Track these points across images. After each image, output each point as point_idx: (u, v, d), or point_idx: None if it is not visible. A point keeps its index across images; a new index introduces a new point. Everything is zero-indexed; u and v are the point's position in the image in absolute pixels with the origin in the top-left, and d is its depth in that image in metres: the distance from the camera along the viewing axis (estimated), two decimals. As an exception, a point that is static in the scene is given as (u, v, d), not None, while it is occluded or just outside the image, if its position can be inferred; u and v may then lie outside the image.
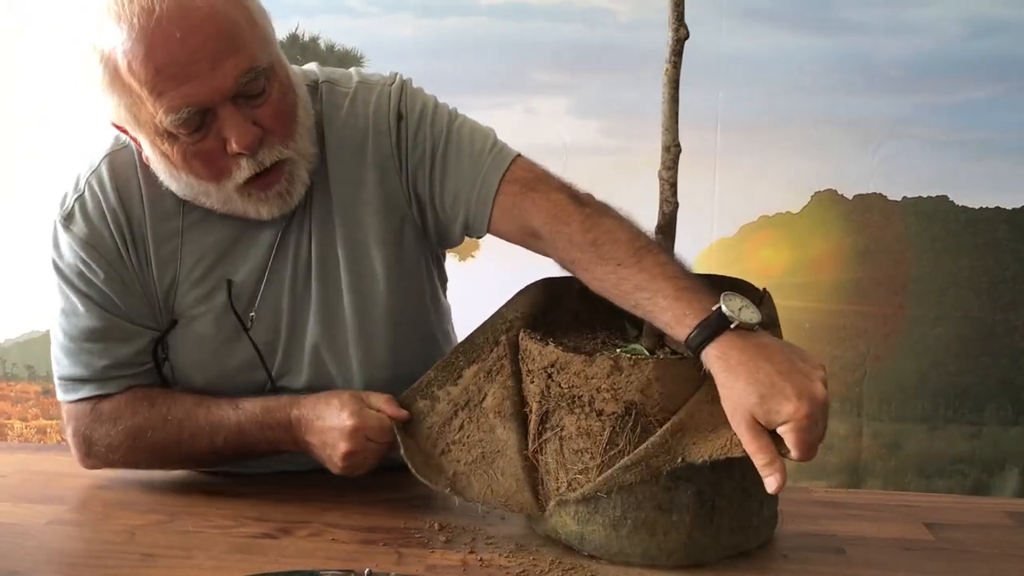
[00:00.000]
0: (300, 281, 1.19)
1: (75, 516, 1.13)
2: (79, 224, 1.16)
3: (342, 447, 1.11)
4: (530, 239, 1.14)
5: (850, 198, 2.37)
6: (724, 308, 0.94)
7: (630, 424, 0.96)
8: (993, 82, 2.29)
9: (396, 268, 1.20)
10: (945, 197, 2.34)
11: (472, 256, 2.48)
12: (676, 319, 0.97)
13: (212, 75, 1.00)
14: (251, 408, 1.15)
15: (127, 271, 1.17)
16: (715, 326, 0.94)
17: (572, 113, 2.40)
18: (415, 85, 1.23)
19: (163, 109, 1.01)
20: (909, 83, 2.29)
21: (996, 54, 2.26)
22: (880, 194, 2.35)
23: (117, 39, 1.00)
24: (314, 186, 1.16)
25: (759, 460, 0.90)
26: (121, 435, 1.18)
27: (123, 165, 1.17)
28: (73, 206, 1.17)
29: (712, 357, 0.94)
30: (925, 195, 2.34)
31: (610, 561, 0.99)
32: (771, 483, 0.90)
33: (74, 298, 1.18)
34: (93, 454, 1.20)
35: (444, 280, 1.34)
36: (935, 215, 2.34)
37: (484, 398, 1.10)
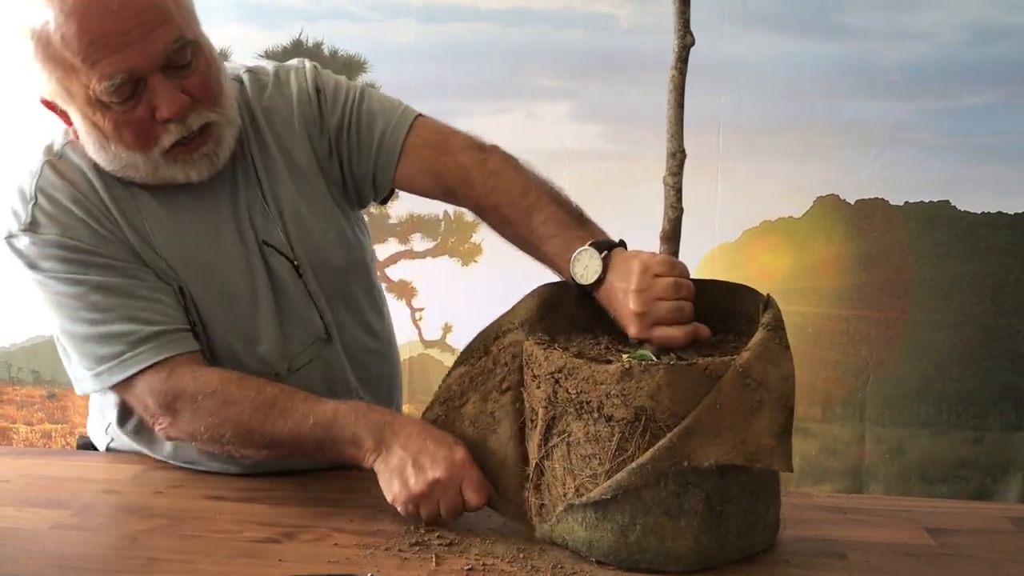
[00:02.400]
0: (256, 242, 1.26)
1: (79, 521, 1.13)
2: (47, 225, 1.16)
3: (436, 472, 1.05)
4: (447, 197, 1.31)
5: (852, 203, 2.37)
6: (573, 270, 1.12)
7: (639, 430, 0.96)
8: (995, 87, 2.29)
9: (344, 221, 1.33)
10: (947, 202, 2.34)
11: (475, 261, 2.49)
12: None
13: (143, 43, 1.08)
14: (356, 403, 1.14)
15: (113, 245, 1.18)
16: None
17: (574, 118, 2.40)
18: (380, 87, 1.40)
19: (96, 77, 1.07)
20: (911, 88, 2.30)
21: (998, 59, 2.26)
22: (882, 199, 2.36)
23: (49, 14, 1.07)
24: (255, 156, 1.27)
25: None
26: (209, 404, 1.13)
27: (67, 167, 1.20)
28: (33, 213, 1.17)
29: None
30: (927, 200, 2.35)
31: (618, 567, 0.99)
32: None
33: (80, 287, 1.16)
34: (181, 422, 1.14)
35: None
36: (937, 220, 2.34)
37: (465, 403, 1.11)
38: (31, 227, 1.16)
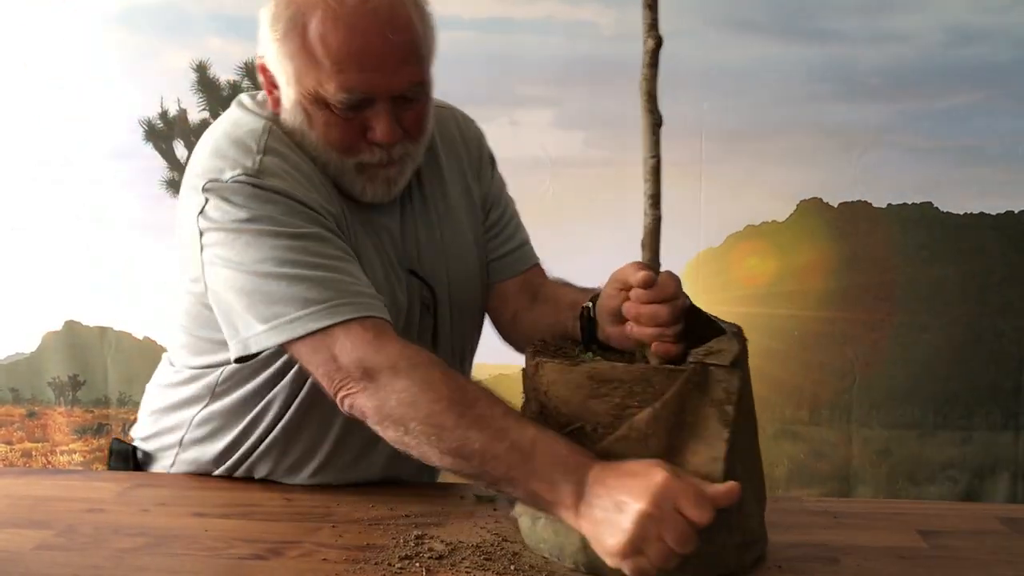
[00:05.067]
0: (420, 260, 1.28)
1: (62, 541, 1.11)
2: (276, 177, 1.12)
3: (638, 505, 0.87)
4: (522, 294, 1.36)
5: (835, 206, 2.39)
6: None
7: (542, 424, 0.99)
8: (974, 89, 2.31)
9: (479, 261, 1.36)
10: (930, 203, 2.36)
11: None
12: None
13: (392, 75, 1.12)
14: (555, 437, 0.96)
15: (329, 218, 1.15)
16: None
17: (557, 125, 2.40)
18: None
19: (336, 85, 1.10)
20: (892, 91, 2.32)
21: (977, 61, 2.28)
22: (865, 202, 2.37)
23: (318, 9, 1.09)
24: (427, 180, 1.29)
25: None
26: (407, 379, 1.01)
27: (286, 140, 1.18)
28: (262, 162, 1.12)
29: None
30: (910, 202, 2.36)
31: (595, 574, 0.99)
32: None
33: (301, 231, 1.09)
34: (373, 391, 1.02)
35: None
36: (920, 222, 2.36)
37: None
38: (259, 174, 1.11)
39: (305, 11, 1.10)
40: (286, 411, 1.23)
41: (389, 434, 1.03)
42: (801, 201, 2.39)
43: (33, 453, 2.68)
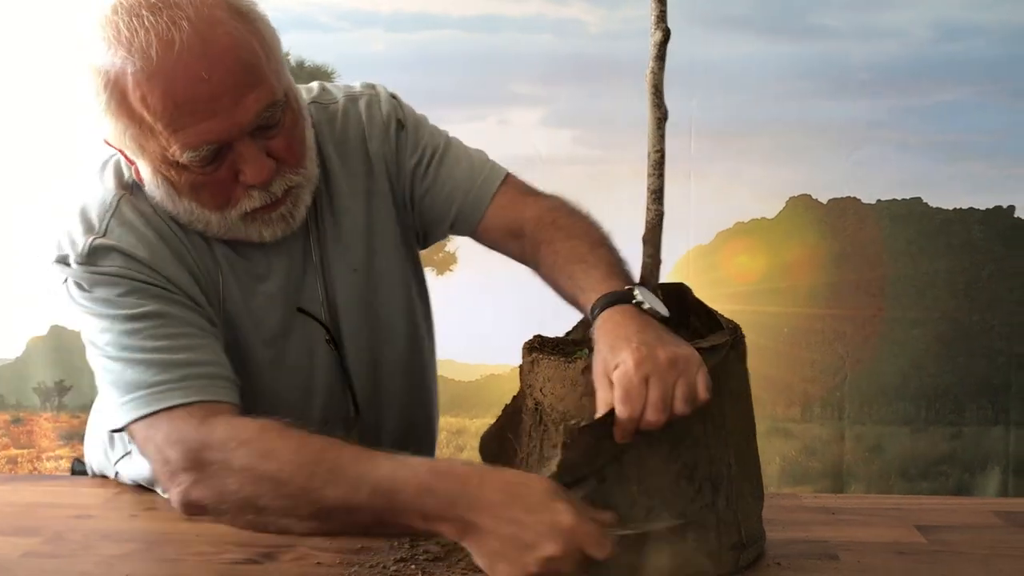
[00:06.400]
0: (330, 293, 1.19)
1: (51, 548, 1.10)
2: (109, 258, 1.05)
3: (548, 548, 0.85)
4: (511, 239, 1.20)
5: (825, 202, 2.39)
6: (637, 292, 0.98)
7: (538, 420, 0.99)
8: (963, 84, 2.31)
9: (412, 269, 1.26)
10: (919, 199, 2.36)
11: (450, 270, 2.47)
12: (591, 288, 1.02)
13: (233, 111, 0.98)
14: (416, 464, 0.93)
15: (180, 286, 1.08)
16: (615, 299, 0.98)
17: (546, 124, 2.40)
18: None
19: (179, 144, 0.98)
20: (881, 87, 2.32)
21: (965, 57, 2.29)
22: (854, 197, 2.37)
23: (128, 66, 0.96)
24: (322, 202, 1.18)
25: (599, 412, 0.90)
26: (243, 456, 0.95)
27: (144, 202, 1.10)
28: (93, 246, 1.05)
29: (599, 322, 0.96)
30: (899, 197, 2.37)
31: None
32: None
33: (133, 311, 1.04)
34: (208, 478, 0.96)
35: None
36: (910, 217, 2.37)
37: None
38: (94, 255, 1.05)
39: (117, 76, 0.97)
40: None
41: (240, 521, 0.99)
42: (790, 198, 2.39)
43: (19, 459, 2.65)
